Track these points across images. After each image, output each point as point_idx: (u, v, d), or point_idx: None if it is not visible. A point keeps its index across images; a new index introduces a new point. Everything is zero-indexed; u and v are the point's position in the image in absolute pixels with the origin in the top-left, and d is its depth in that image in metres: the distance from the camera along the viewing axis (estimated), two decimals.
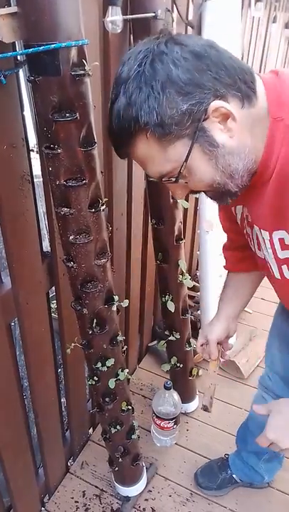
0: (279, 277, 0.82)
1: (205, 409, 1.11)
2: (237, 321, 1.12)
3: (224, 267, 1.15)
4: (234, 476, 1.44)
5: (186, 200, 1.36)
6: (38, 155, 1.02)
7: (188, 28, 1.55)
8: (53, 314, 1.21)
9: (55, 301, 1.23)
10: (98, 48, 1.03)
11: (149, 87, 0.60)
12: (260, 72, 2.70)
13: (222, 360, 1.12)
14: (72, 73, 0.73)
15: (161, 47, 0.61)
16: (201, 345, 1.12)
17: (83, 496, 1.45)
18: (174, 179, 0.68)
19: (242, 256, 1.05)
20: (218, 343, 1.08)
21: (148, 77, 0.60)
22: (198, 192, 0.74)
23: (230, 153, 0.65)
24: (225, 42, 1.55)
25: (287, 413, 0.82)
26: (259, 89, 0.66)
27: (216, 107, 0.61)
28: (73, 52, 0.72)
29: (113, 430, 1.21)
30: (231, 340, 1.17)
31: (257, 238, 0.82)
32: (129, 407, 1.23)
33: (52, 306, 1.20)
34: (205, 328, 1.13)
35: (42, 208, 1.10)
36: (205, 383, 1.16)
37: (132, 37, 1.12)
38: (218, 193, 0.71)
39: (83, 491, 1.46)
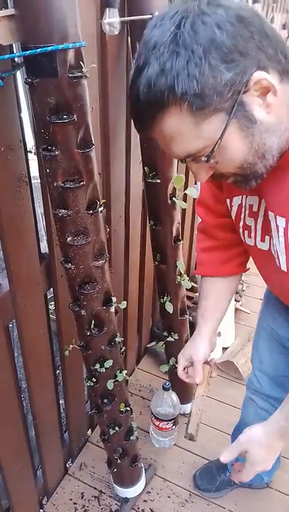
0: (286, 269, 0.74)
1: (190, 438, 0.97)
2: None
3: (202, 272, 1.04)
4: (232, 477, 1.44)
5: (184, 200, 1.36)
6: (36, 156, 1.02)
7: None
8: (51, 316, 1.21)
9: (53, 303, 1.23)
10: (95, 50, 1.03)
11: (190, 52, 0.53)
12: None
13: (212, 377, 1.02)
14: (70, 75, 0.73)
15: (203, 7, 0.54)
16: (184, 369, 1.02)
17: (82, 498, 1.44)
18: (204, 158, 0.62)
19: (226, 257, 0.99)
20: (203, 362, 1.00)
21: (188, 40, 0.53)
22: (222, 176, 0.67)
23: (266, 131, 0.60)
24: None
25: (266, 443, 0.82)
26: None
27: (259, 79, 0.56)
28: (70, 54, 0.72)
29: (112, 431, 1.21)
30: (217, 354, 1.10)
31: (263, 228, 0.78)
32: (128, 409, 1.23)
33: (50, 307, 1.20)
34: (187, 350, 1.03)
35: (40, 209, 1.10)
36: (191, 409, 1.00)
37: (129, 39, 1.12)
38: (244, 176, 0.65)
39: (82, 493, 1.46)
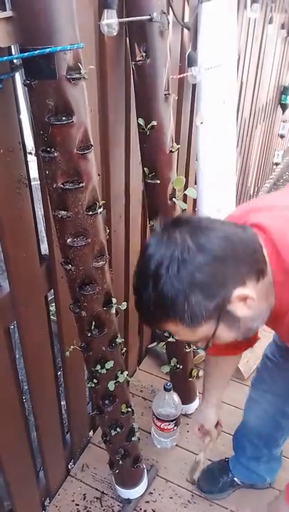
0: None
1: (193, 483, 1.21)
2: None
3: (207, 352, 1.16)
4: (235, 479, 1.44)
5: (184, 201, 1.36)
6: (35, 157, 1.02)
7: (185, 32, 1.55)
8: (52, 317, 1.21)
9: (53, 304, 1.23)
10: (94, 51, 1.03)
11: (178, 290, 0.66)
12: (256, 72, 2.71)
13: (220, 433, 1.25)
14: (68, 77, 0.73)
15: (185, 255, 0.67)
16: (199, 429, 1.23)
17: (84, 499, 1.44)
18: (203, 346, 0.79)
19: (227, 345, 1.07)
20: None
21: (175, 283, 0.66)
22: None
23: (250, 321, 0.75)
24: (221, 43, 1.56)
25: None
26: (265, 254, 0.75)
27: (237, 295, 0.69)
28: (69, 55, 0.72)
29: (113, 432, 1.21)
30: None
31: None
32: (129, 409, 1.23)
33: (51, 308, 1.20)
34: (198, 417, 1.25)
35: (40, 211, 1.10)
36: (199, 459, 1.28)
37: (127, 39, 1.12)
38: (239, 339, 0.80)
39: (84, 494, 1.46)
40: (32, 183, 0.98)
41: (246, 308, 0.72)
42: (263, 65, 2.92)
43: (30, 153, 1.01)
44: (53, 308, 1.24)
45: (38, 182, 1.02)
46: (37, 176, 1.01)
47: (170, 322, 0.72)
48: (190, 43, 1.57)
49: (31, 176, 0.97)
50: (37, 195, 1.03)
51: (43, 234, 1.14)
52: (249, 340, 1.03)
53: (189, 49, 1.54)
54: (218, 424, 1.23)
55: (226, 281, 0.68)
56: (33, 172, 0.99)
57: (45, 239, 1.12)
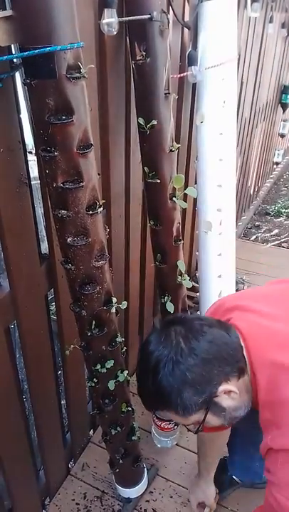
0: None
1: None
2: None
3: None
4: (234, 477, 1.44)
5: (185, 200, 1.36)
6: (35, 157, 1.02)
7: (185, 31, 1.55)
8: (52, 316, 1.21)
9: (54, 304, 1.23)
10: (94, 50, 1.03)
11: (172, 386, 0.82)
12: (256, 71, 2.70)
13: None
14: (68, 76, 0.73)
15: (178, 357, 0.82)
16: (198, 504, 1.35)
17: (84, 498, 1.44)
18: (194, 429, 0.92)
19: None
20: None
21: (170, 379, 0.82)
22: None
23: (234, 410, 0.89)
24: (221, 43, 1.55)
25: None
26: (245, 354, 0.89)
27: (223, 389, 0.84)
28: (69, 54, 0.72)
29: (113, 432, 1.21)
30: None
31: None
32: (129, 409, 1.23)
33: (51, 308, 1.20)
34: (199, 495, 1.36)
35: (40, 210, 1.10)
36: None
37: (128, 39, 1.12)
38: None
39: (84, 493, 1.46)
40: (32, 183, 0.98)
41: (231, 400, 0.87)
42: (264, 64, 2.92)
43: (30, 152, 1.01)
44: (53, 307, 1.24)
45: (38, 181, 1.03)
46: (37, 175, 1.02)
47: (165, 410, 0.88)
48: (190, 42, 1.57)
49: (31, 176, 0.97)
50: (37, 194, 1.03)
51: (43, 233, 1.15)
52: None
53: (189, 48, 1.55)
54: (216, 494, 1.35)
55: (212, 378, 0.83)
56: (33, 171, 0.99)
57: (46, 238, 1.12)
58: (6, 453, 1.13)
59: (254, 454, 1.31)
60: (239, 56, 2.17)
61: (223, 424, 0.92)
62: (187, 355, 0.82)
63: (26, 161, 0.92)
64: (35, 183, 1.02)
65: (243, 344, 0.89)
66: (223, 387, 0.84)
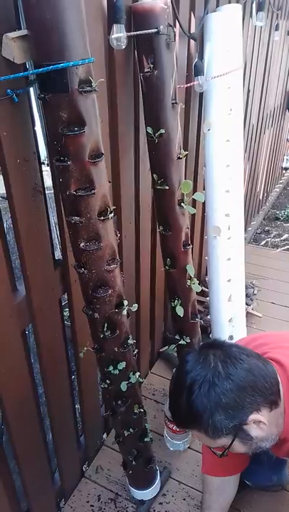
0: None
1: None
2: None
3: (207, 471, 1.25)
4: (245, 480, 1.44)
5: (194, 206, 1.40)
6: (48, 167, 1.06)
7: (191, 42, 1.59)
8: (65, 323, 1.24)
9: (67, 309, 1.27)
10: (104, 64, 1.08)
11: (206, 407, 0.85)
12: (263, 79, 2.74)
13: None
14: (80, 90, 0.77)
15: (215, 379, 0.85)
16: None
17: (98, 500, 1.47)
18: (219, 454, 0.96)
19: (227, 465, 1.19)
20: None
21: (204, 400, 0.85)
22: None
23: (261, 441, 0.92)
24: (227, 52, 1.59)
25: None
26: (281, 389, 0.92)
27: (253, 419, 0.87)
28: (80, 70, 0.77)
29: (126, 433, 1.23)
30: None
31: None
32: (142, 410, 1.25)
33: (64, 314, 1.24)
34: None
35: (53, 219, 1.14)
36: None
37: (135, 52, 1.16)
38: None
39: (98, 495, 1.48)
40: (45, 192, 1.02)
41: (259, 430, 0.89)
42: (270, 71, 2.95)
43: (43, 163, 1.05)
44: (66, 313, 1.27)
45: (51, 191, 1.07)
46: (50, 185, 1.06)
47: (195, 429, 0.91)
48: (196, 53, 1.61)
49: (44, 186, 1.01)
50: (50, 204, 1.07)
51: (55, 241, 1.19)
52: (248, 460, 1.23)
53: (196, 59, 1.59)
54: None
55: (245, 406, 0.86)
56: (46, 182, 1.03)
57: (58, 246, 1.16)
58: (22, 455, 1.16)
59: (264, 459, 1.32)
60: (245, 64, 2.21)
61: (247, 452, 0.95)
62: (224, 379, 0.85)
63: (41, 171, 0.96)
64: (49, 192, 1.06)
65: (280, 378, 0.92)
66: (253, 416, 0.87)
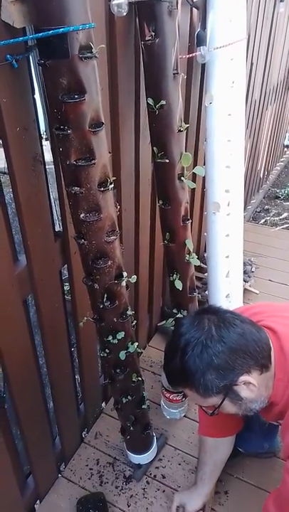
0: None
1: None
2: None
3: (203, 432, 1.31)
4: (237, 447, 1.50)
5: (194, 181, 1.40)
6: (47, 142, 1.06)
7: (194, 11, 1.55)
8: (66, 297, 1.26)
9: (67, 284, 1.29)
10: (104, 31, 1.06)
11: (198, 367, 0.89)
12: (267, 52, 2.67)
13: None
14: (80, 56, 0.76)
15: (208, 341, 0.89)
16: (178, 506, 1.31)
17: (97, 464, 1.53)
18: (210, 412, 1.00)
19: (230, 422, 1.23)
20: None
21: (197, 361, 0.89)
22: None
23: (250, 402, 0.96)
24: (230, 23, 1.55)
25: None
26: (272, 354, 0.96)
27: (242, 380, 0.91)
28: (81, 35, 0.76)
29: (124, 400, 1.27)
30: None
31: None
32: (139, 379, 1.29)
33: (64, 288, 1.26)
34: (184, 498, 1.31)
35: (53, 195, 1.14)
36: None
37: (137, 19, 1.14)
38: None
39: (97, 459, 1.54)
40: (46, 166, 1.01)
41: (249, 391, 0.93)
42: (274, 45, 2.88)
43: (42, 137, 1.04)
44: (66, 287, 1.29)
45: (51, 166, 1.06)
46: (50, 160, 1.05)
47: (187, 388, 0.95)
48: (199, 23, 1.57)
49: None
50: (49, 178, 1.07)
51: (54, 217, 1.19)
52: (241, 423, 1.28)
53: (198, 28, 1.55)
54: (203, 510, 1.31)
55: (235, 367, 0.90)
56: (46, 157, 1.02)
57: (57, 222, 1.16)
58: (25, 421, 1.21)
59: (256, 427, 1.37)
60: (249, 36, 2.16)
61: (237, 413, 0.99)
62: (216, 342, 0.89)
63: (40, 140, 0.96)
64: (49, 167, 1.06)
65: (272, 344, 0.97)
66: (244, 377, 0.91)
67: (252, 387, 0.92)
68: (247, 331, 0.92)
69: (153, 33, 1.09)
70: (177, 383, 1.00)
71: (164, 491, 1.44)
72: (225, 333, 0.90)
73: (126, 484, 1.46)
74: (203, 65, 1.70)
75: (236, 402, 0.95)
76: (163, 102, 1.17)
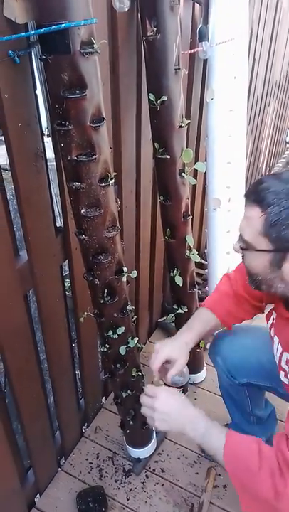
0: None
1: None
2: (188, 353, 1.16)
3: (206, 304, 1.27)
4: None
5: (195, 177, 1.40)
6: (49, 139, 1.06)
7: (196, 6, 1.55)
8: (66, 293, 1.27)
9: (68, 280, 1.29)
10: (106, 27, 1.05)
11: (283, 207, 0.79)
12: (269, 48, 2.66)
13: (162, 382, 1.15)
14: (82, 51, 0.77)
15: None
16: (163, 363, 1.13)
17: (97, 458, 1.54)
18: (242, 245, 0.91)
19: (234, 310, 1.23)
20: (166, 362, 1.11)
21: (284, 203, 0.80)
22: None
23: (280, 281, 0.87)
24: (233, 18, 1.54)
25: (177, 413, 1.03)
26: None
27: None
28: (83, 31, 0.76)
29: (124, 394, 1.29)
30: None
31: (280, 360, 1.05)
32: (139, 374, 1.30)
33: (65, 284, 1.26)
34: (167, 347, 1.13)
35: (54, 191, 1.14)
36: (203, 500, 1.35)
37: (139, 15, 1.14)
38: (254, 282, 0.95)
39: (97, 453, 1.56)
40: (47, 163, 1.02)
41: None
42: (277, 40, 2.87)
43: (44, 134, 1.04)
44: (67, 283, 1.30)
45: (53, 163, 1.06)
46: (52, 156, 1.05)
47: (258, 213, 0.83)
48: (201, 18, 1.57)
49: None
50: (51, 175, 1.07)
51: (56, 213, 1.19)
52: (243, 318, 1.25)
53: (200, 24, 1.55)
54: (169, 363, 1.12)
55: None
56: (48, 154, 1.02)
57: (58, 218, 1.16)
58: (26, 416, 1.22)
59: (253, 419, 1.38)
60: (251, 31, 2.15)
61: (257, 274, 0.91)
62: None
63: (42, 136, 0.96)
64: (50, 164, 1.06)
65: None
66: None
67: None
68: None
69: (155, 29, 1.09)
70: (252, 198, 0.86)
71: (163, 485, 1.46)
72: None
73: (125, 478, 1.48)
74: (205, 61, 1.70)
75: (272, 266, 0.85)
76: (164, 98, 1.17)
